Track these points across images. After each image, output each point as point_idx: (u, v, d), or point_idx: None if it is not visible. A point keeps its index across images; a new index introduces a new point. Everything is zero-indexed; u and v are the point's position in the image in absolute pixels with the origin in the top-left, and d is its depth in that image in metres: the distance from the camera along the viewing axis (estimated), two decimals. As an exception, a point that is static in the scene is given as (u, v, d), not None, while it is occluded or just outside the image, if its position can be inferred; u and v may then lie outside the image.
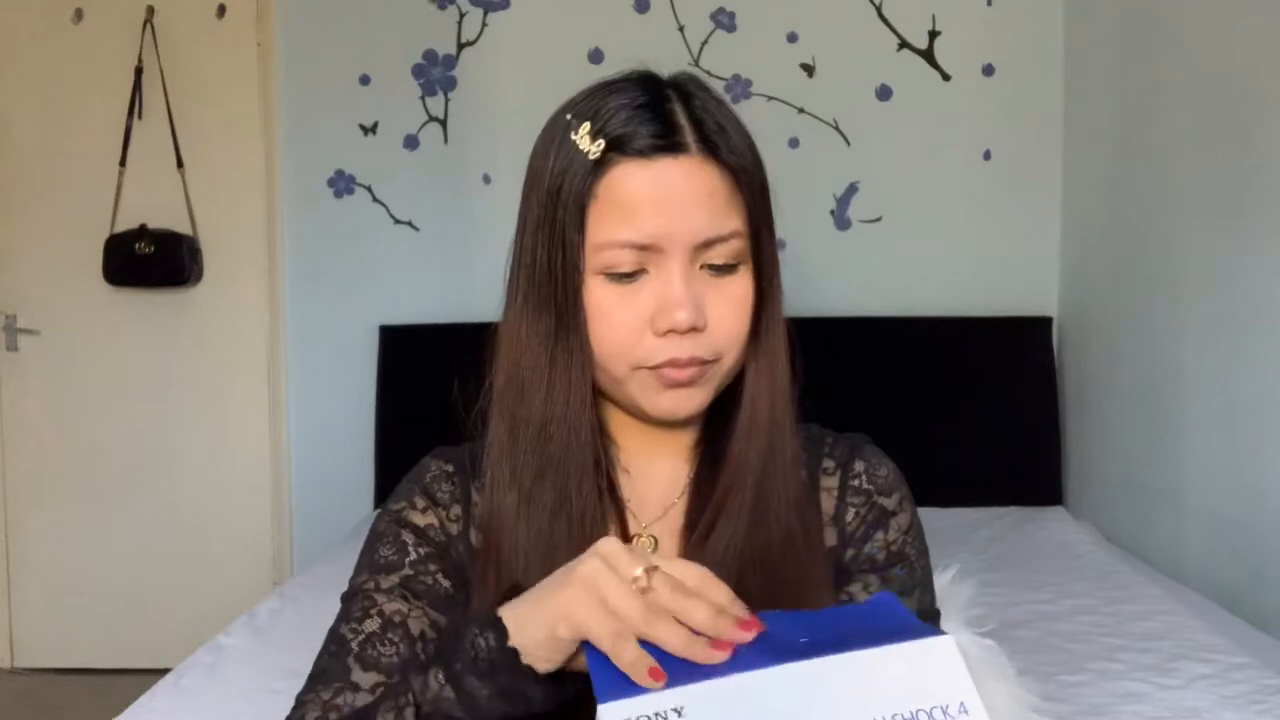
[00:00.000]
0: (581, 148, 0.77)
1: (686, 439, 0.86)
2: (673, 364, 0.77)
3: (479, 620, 0.69)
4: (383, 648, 0.80)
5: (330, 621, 0.84)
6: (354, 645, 0.80)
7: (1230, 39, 2.22)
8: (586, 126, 0.77)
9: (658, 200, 0.76)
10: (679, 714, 0.53)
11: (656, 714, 0.52)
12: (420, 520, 0.86)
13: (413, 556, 0.84)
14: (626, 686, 0.54)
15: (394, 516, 0.87)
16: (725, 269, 0.79)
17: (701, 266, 0.78)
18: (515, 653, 0.66)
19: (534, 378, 0.80)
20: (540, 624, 0.66)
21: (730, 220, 0.78)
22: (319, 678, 0.80)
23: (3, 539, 3.29)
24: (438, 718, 0.69)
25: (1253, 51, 2.13)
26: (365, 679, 0.78)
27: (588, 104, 0.79)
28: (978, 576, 1.67)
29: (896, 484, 0.88)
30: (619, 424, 0.85)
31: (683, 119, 0.78)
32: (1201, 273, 2.32)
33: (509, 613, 0.68)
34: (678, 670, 0.55)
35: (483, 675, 0.67)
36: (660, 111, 0.77)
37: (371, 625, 0.81)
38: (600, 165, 0.77)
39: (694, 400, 0.80)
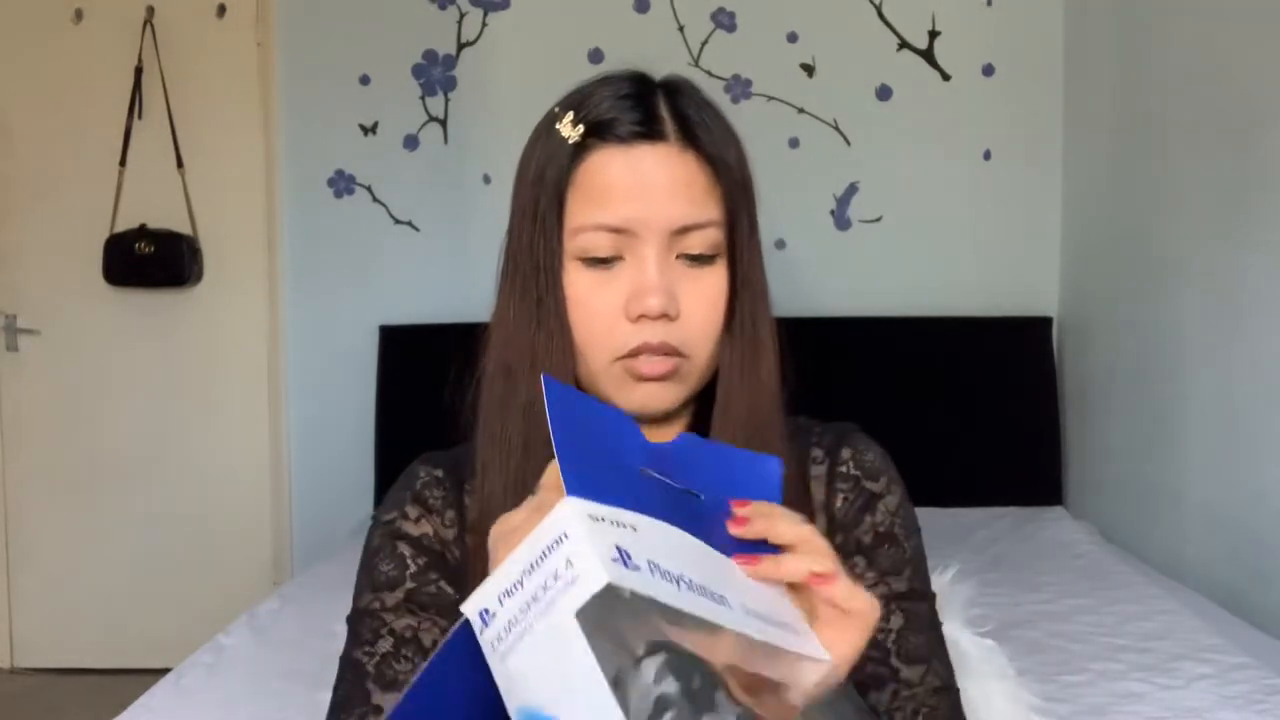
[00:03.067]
0: (564, 134, 0.78)
1: (673, 432, 0.86)
2: (644, 348, 0.77)
3: None
4: (399, 665, 0.79)
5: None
6: (370, 668, 0.79)
7: (1230, 39, 2.22)
8: (570, 115, 0.79)
9: (634, 185, 0.77)
10: (634, 530, 0.54)
11: (616, 522, 0.53)
12: (414, 530, 0.85)
13: (412, 569, 0.83)
14: (595, 489, 0.54)
15: (387, 529, 0.85)
16: (701, 260, 0.79)
17: (678, 257, 0.79)
18: None
19: (520, 362, 0.81)
20: None
21: (707, 210, 0.78)
22: (340, 706, 0.80)
23: (3, 539, 3.29)
24: None
25: (1252, 51, 2.13)
26: (388, 700, 0.78)
27: (576, 95, 0.81)
28: (978, 576, 1.67)
29: (884, 467, 0.88)
30: None
31: (665, 110, 0.79)
32: (1201, 273, 2.32)
33: None
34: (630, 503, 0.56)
35: None
36: (643, 102, 0.79)
37: (385, 645, 0.80)
38: (580, 151, 0.78)
39: (665, 396, 0.80)
